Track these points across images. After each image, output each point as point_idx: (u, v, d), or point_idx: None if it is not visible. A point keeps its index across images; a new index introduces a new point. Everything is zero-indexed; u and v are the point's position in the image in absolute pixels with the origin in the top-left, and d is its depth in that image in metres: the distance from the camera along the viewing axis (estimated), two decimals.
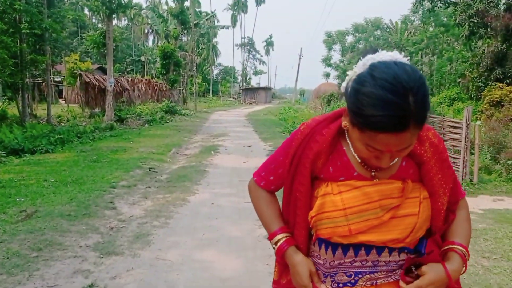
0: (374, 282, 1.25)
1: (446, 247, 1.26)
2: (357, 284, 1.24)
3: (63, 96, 31.21)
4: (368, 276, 1.24)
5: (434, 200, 1.25)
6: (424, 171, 1.25)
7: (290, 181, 1.31)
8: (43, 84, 23.22)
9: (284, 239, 1.32)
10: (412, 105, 0.98)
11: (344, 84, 1.15)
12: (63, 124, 16.67)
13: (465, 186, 7.92)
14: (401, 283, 1.21)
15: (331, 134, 1.23)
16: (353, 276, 1.24)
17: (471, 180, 8.18)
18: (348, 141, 1.24)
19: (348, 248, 1.22)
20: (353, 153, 1.23)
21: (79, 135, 13.28)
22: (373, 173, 1.22)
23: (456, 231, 1.30)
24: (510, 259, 4.29)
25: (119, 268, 3.94)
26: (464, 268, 1.24)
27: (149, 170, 8.66)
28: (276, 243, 1.33)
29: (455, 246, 1.25)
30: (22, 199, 6.03)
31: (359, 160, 1.22)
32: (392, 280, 1.26)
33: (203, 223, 5.41)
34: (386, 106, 0.98)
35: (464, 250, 1.26)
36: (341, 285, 1.26)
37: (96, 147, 11.50)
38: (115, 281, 3.68)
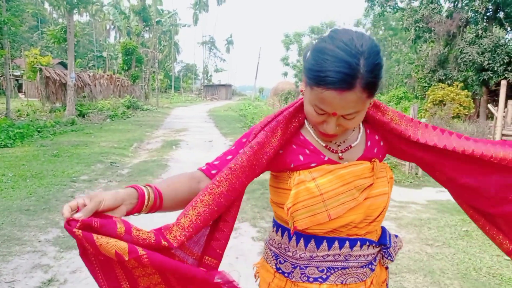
0: (344, 280, 1.19)
1: None
2: (328, 280, 1.17)
3: (23, 91, 29.82)
4: (340, 272, 1.18)
5: None
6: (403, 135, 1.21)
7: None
8: (2, 78, 22.10)
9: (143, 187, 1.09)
10: (362, 67, 0.96)
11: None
12: (22, 118, 15.89)
13: (410, 179, 8.22)
14: None
15: (287, 115, 1.17)
16: (325, 272, 1.18)
17: (416, 173, 8.49)
18: (309, 128, 1.20)
19: (321, 240, 1.16)
20: (316, 138, 1.19)
21: (39, 129, 12.70)
22: (340, 154, 1.18)
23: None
24: (451, 246, 4.48)
25: (79, 262, 3.78)
26: None
27: (111, 165, 8.42)
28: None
29: None
30: None
31: (324, 144, 1.18)
32: (360, 281, 1.21)
33: (162, 216, 5.30)
34: (335, 62, 0.96)
35: None
36: (311, 279, 1.18)
37: (57, 142, 11.04)
38: (75, 275, 3.55)
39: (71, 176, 7.06)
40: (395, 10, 21.30)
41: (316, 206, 1.10)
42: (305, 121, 1.21)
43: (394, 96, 24.49)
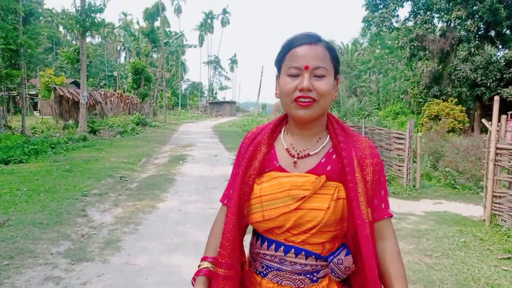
0: (280, 281, 1.22)
1: None
2: (267, 277, 1.24)
3: (38, 109, 30.04)
4: (275, 272, 1.22)
5: (352, 205, 1.16)
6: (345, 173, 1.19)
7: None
8: (18, 97, 22.27)
9: (204, 268, 1.29)
10: (322, 38, 1.22)
11: None
12: (37, 135, 15.97)
13: (408, 191, 8.15)
14: None
15: (269, 130, 1.30)
16: (264, 268, 1.24)
17: (414, 186, 8.43)
18: (283, 134, 1.31)
19: (264, 240, 1.24)
20: (282, 141, 1.29)
21: (52, 145, 12.75)
22: (295, 159, 1.24)
23: (395, 275, 1.19)
24: (450, 256, 4.41)
25: (89, 274, 3.76)
26: None
27: (120, 179, 8.41)
28: (199, 266, 1.31)
29: None
30: None
31: (286, 147, 1.27)
32: (297, 287, 1.21)
33: (171, 228, 5.28)
34: (301, 33, 1.22)
35: None
36: (257, 271, 1.27)
37: (69, 157, 11.06)
38: (85, 286, 3.51)
39: (82, 190, 7.05)
40: (391, 30, 21.42)
41: (255, 206, 1.22)
42: (282, 130, 1.33)
43: (391, 111, 24.48)
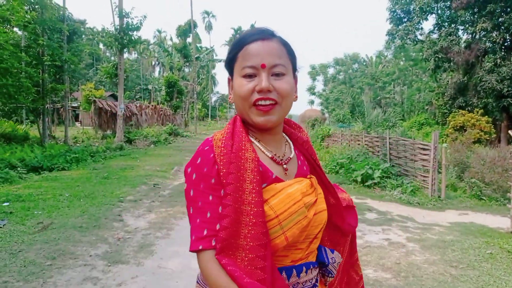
0: None
1: None
2: None
3: (79, 120, 31.11)
4: None
5: (331, 191, 1.15)
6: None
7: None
8: (62, 109, 23.17)
9: None
10: (276, 32, 1.05)
11: None
12: (78, 144, 16.52)
13: (433, 201, 7.92)
14: None
15: (240, 135, 1.01)
16: None
17: (439, 196, 8.19)
18: (256, 142, 1.06)
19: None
20: (263, 149, 1.05)
21: (92, 154, 13.16)
22: (284, 166, 1.07)
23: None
24: (475, 268, 4.25)
25: (124, 275, 3.85)
26: None
27: (154, 186, 8.57)
28: None
29: None
30: (40, 212, 5.92)
31: (270, 155, 1.05)
32: None
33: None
34: (253, 29, 1.04)
35: None
36: None
37: (107, 165, 11.39)
38: (120, 287, 3.59)
39: (118, 196, 7.23)
40: (415, 42, 21.03)
41: (273, 230, 0.95)
42: (250, 138, 1.05)
43: (415, 122, 23.92)
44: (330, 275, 1.12)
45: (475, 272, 4.12)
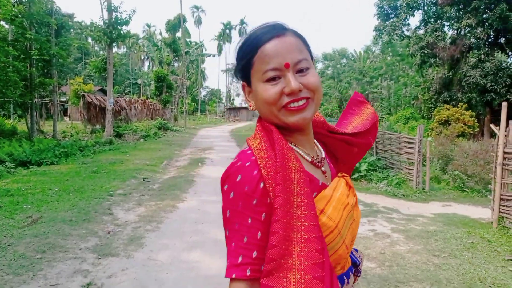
0: None
1: None
2: None
3: (68, 114, 30.74)
4: None
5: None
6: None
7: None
8: (50, 103, 22.88)
9: None
10: (287, 25, 0.94)
11: None
12: (67, 139, 16.36)
13: (418, 194, 8.06)
14: None
15: (282, 144, 0.90)
16: None
17: (423, 188, 8.33)
18: (295, 148, 0.96)
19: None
20: (300, 152, 0.96)
21: (81, 148, 13.05)
22: (323, 169, 1.00)
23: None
24: (457, 257, 4.36)
25: (114, 268, 3.86)
26: None
27: (143, 180, 8.55)
28: None
29: None
30: (29, 206, 5.88)
31: (309, 160, 0.97)
32: None
33: (190, 227, 5.35)
34: (263, 26, 0.93)
35: None
36: None
37: (96, 160, 11.31)
38: (111, 279, 3.60)
39: (108, 190, 7.21)
40: (402, 38, 21.24)
41: (335, 242, 0.88)
42: (290, 145, 0.94)
43: (402, 116, 24.19)
44: (359, 274, 1.09)
45: (456, 261, 4.23)
